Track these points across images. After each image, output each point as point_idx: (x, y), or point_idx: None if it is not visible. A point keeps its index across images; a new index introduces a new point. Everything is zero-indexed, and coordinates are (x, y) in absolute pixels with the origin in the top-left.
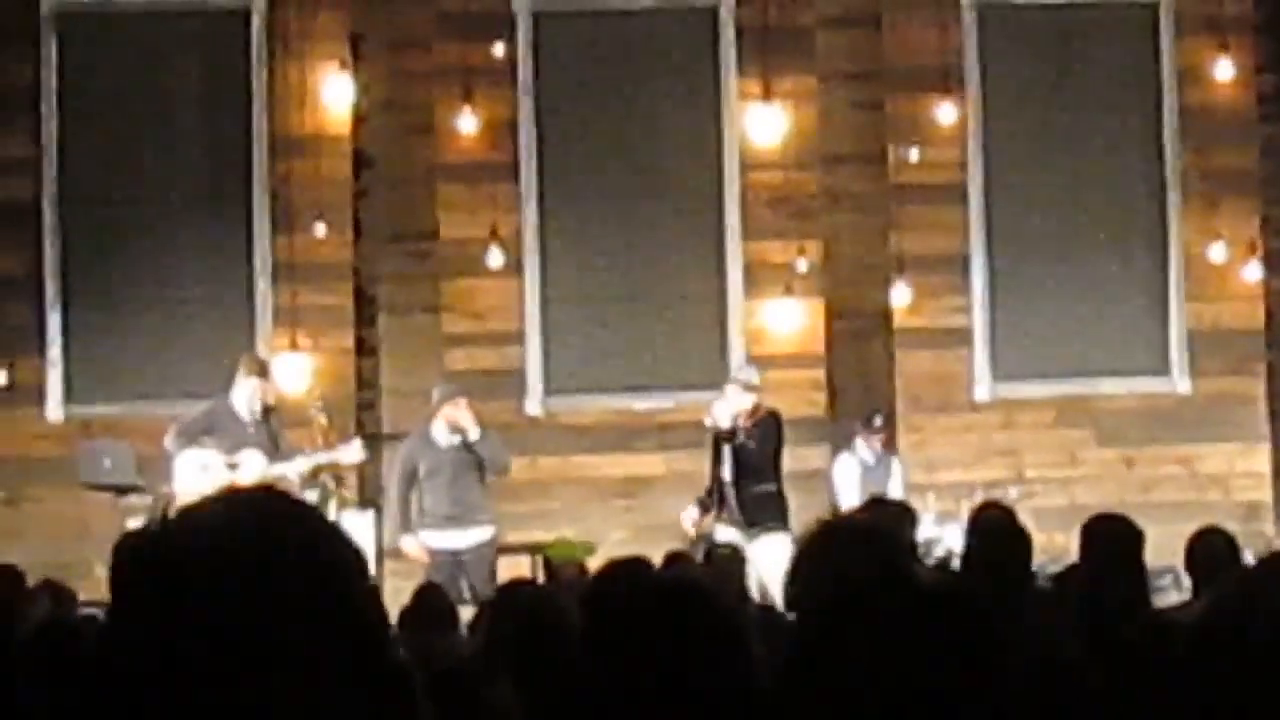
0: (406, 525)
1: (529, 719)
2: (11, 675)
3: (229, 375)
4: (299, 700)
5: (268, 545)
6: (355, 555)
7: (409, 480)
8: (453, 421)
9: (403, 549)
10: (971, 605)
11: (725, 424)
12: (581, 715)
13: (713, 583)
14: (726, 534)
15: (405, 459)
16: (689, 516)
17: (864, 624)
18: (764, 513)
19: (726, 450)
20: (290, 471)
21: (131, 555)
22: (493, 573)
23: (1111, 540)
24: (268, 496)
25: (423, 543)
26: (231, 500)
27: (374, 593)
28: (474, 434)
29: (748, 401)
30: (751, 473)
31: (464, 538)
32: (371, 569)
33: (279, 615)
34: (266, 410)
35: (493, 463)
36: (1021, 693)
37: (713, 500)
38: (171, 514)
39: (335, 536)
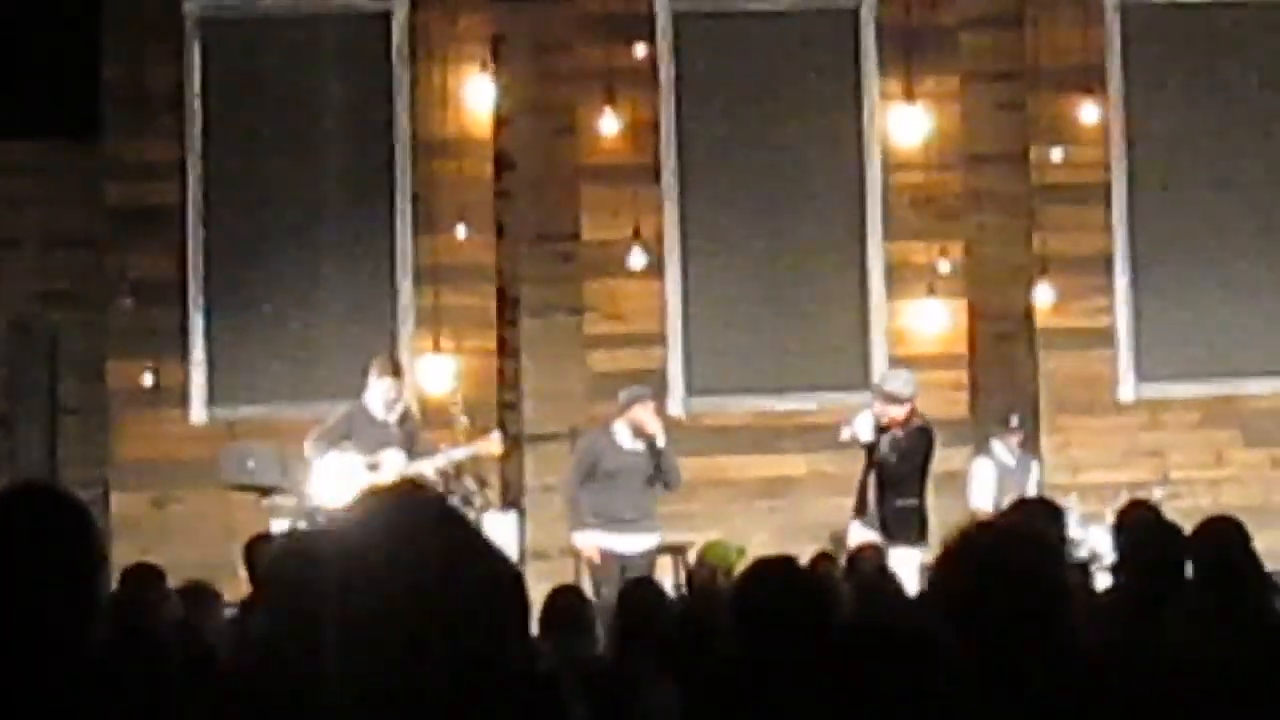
0: (581, 522)
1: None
2: (149, 673)
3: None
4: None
5: (413, 556)
6: (503, 571)
7: (586, 476)
8: (638, 424)
9: (577, 545)
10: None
11: (864, 437)
12: (737, 713)
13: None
14: (861, 533)
15: (585, 454)
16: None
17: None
18: (902, 527)
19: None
20: (429, 468)
21: (282, 556)
22: None
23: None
24: (416, 505)
25: (595, 543)
26: (389, 508)
27: (520, 604)
28: (661, 439)
29: (891, 411)
30: (893, 485)
31: (634, 543)
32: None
33: (425, 624)
34: (404, 411)
35: (669, 474)
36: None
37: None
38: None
39: (482, 550)
